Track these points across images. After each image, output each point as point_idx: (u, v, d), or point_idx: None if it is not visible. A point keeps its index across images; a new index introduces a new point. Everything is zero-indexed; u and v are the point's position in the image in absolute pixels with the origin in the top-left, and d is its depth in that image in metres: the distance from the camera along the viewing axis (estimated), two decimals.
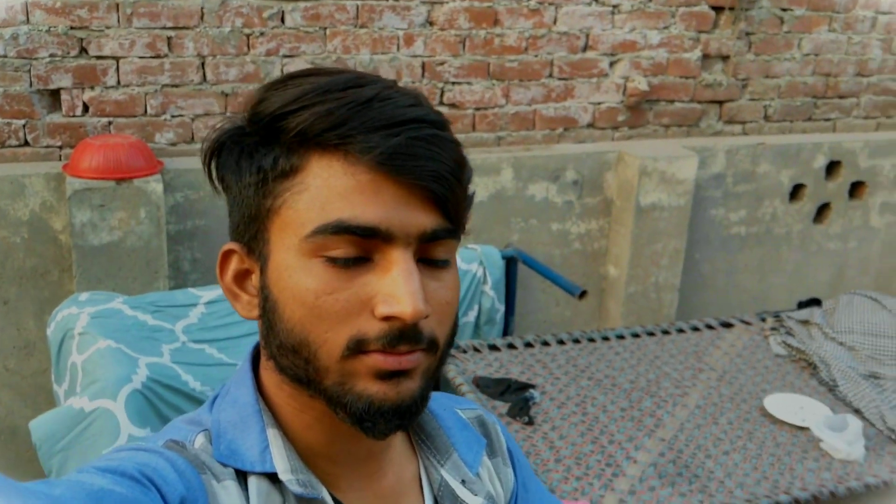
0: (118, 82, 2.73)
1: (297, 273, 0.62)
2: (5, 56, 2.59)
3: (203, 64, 2.80)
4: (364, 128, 0.60)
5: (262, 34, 2.83)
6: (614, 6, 3.25)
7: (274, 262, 0.64)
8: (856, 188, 3.77)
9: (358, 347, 0.61)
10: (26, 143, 2.71)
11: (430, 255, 0.64)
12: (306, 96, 0.62)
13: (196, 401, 2.00)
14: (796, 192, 3.66)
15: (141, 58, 2.72)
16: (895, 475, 2.24)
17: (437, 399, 0.81)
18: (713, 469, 2.18)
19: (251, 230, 0.66)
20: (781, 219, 3.65)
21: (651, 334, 3.01)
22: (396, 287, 0.60)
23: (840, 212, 3.76)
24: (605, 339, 2.85)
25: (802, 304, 3.32)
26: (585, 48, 3.27)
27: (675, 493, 2.06)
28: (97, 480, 0.56)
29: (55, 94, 2.69)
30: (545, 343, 2.74)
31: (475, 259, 2.84)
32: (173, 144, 2.84)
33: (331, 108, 0.61)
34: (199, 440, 0.67)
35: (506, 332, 3.02)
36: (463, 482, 0.75)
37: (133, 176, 2.53)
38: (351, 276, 0.62)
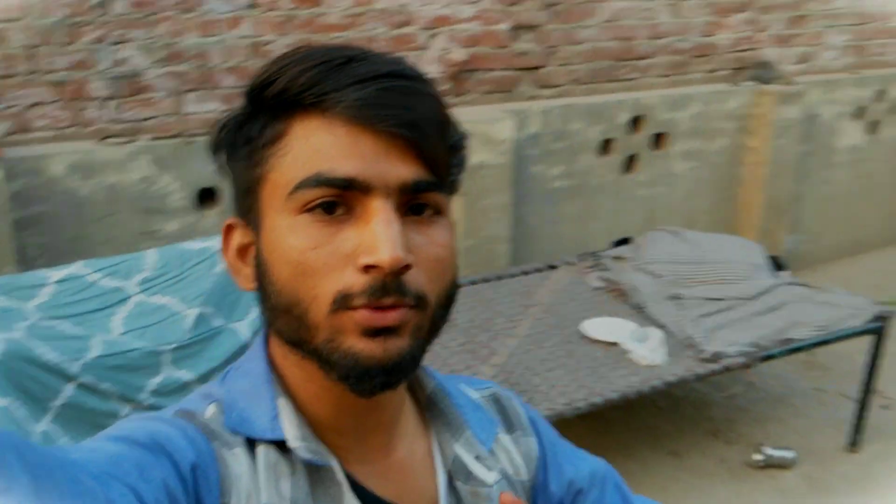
0: None
1: (283, 233, 0.63)
2: None
3: (33, 55, 2.83)
4: (339, 84, 0.61)
5: (89, 23, 2.89)
6: None
7: (265, 228, 0.65)
8: (658, 139, 4.21)
9: (344, 302, 0.61)
10: None
11: (417, 209, 0.64)
12: (288, 64, 0.64)
13: (56, 372, 2.10)
14: (606, 146, 4.06)
15: None
16: (689, 373, 2.64)
17: (450, 380, 0.82)
18: (539, 384, 2.50)
19: (247, 202, 0.67)
20: (595, 171, 4.04)
21: (486, 280, 3.32)
22: (374, 236, 0.60)
23: (646, 161, 4.20)
24: None
25: (616, 244, 3.72)
26: (405, 24, 3.52)
27: None
28: (110, 447, 0.57)
29: None
30: None
31: None
32: (11, 134, 2.86)
33: (307, 69, 0.62)
34: (211, 410, 0.67)
35: None
36: (477, 458, 0.75)
37: None
38: (334, 231, 0.62)
